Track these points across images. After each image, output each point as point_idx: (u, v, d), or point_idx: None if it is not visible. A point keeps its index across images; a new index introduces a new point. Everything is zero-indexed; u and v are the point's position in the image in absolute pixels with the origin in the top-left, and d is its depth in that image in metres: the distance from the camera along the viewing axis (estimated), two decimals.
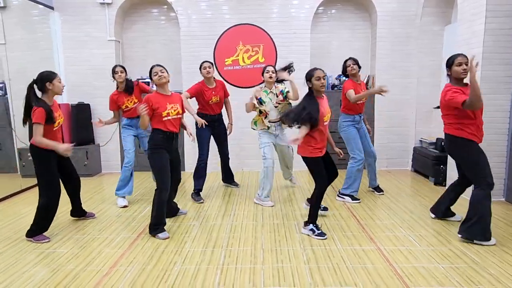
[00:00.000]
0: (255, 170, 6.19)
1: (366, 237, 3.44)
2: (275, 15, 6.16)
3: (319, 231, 3.48)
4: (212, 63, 4.73)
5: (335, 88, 6.31)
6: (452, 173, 4.92)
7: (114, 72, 4.55)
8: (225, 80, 6.23)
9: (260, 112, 4.51)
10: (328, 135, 3.68)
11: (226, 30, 6.17)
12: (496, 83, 4.34)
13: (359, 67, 4.60)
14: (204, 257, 3.10)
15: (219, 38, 6.19)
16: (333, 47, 6.51)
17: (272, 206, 4.42)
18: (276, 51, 6.20)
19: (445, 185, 5.08)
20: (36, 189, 5.12)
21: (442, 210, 3.84)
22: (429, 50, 5.94)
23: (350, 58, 4.61)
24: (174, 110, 3.61)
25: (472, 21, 4.47)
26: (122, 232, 3.67)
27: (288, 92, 4.43)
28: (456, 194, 3.79)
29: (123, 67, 4.59)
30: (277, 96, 4.45)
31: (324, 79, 3.45)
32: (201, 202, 4.64)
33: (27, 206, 4.60)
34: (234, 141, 6.26)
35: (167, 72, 3.67)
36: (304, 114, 3.29)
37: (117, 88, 4.62)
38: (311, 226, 3.52)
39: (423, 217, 3.96)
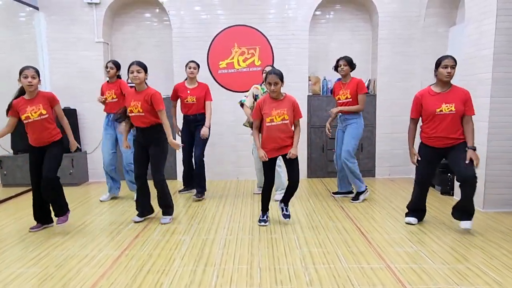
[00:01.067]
0: (250, 179, 5.88)
1: (373, 253, 3.13)
2: (272, 16, 5.89)
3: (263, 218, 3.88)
4: (198, 65, 4.80)
5: None
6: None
7: (105, 67, 4.72)
8: (219, 84, 5.94)
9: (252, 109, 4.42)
10: (295, 134, 3.73)
11: (220, 32, 5.89)
12: (508, 85, 4.07)
13: (353, 68, 4.55)
14: (194, 277, 2.77)
15: (213, 40, 5.90)
16: (332, 49, 6.23)
17: (258, 193, 4.64)
18: (273, 54, 5.92)
19: (452, 194, 4.80)
20: (17, 199, 4.82)
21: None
22: (433, 52, 5.66)
23: (343, 58, 4.54)
24: (135, 108, 3.77)
25: (481, 21, 4.22)
26: (105, 248, 3.33)
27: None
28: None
29: (114, 63, 4.68)
30: None
31: (275, 84, 3.55)
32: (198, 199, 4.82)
33: (5, 218, 4.25)
34: (230, 148, 5.97)
35: (145, 72, 3.80)
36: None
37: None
38: (261, 213, 3.95)
39: (433, 229, 3.65)
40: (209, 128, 4.74)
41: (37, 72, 3.55)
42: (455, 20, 5.58)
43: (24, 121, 3.53)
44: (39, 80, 3.57)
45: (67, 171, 5.61)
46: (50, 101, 3.61)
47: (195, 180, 4.89)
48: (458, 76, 4.52)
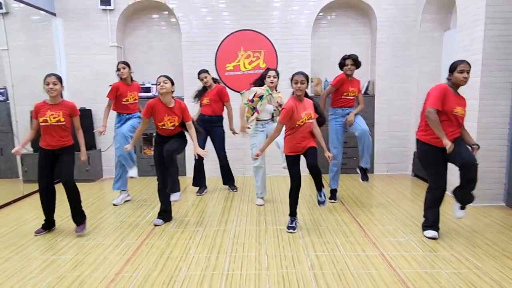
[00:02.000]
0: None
1: (369, 243, 3.47)
2: (276, 21, 6.21)
3: (291, 225, 3.83)
4: (208, 72, 5.12)
5: None
6: (452, 178, 4.95)
7: (117, 68, 4.72)
8: (226, 85, 6.27)
9: (253, 109, 4.61)
10: (317, 137, 3.81)
11: (227, 36, 6.22)
12: (496, 89, 4.39)
13: (358, 66, 4.59)
14: (209, 263, 3.12)
15: (220, 44, 6.23)
16: (333, 52, 6.54)
17: (261, 204, 4.73)
18: (277, 57, 6.25)
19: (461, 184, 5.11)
20: (39, 194, 5.11)
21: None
22: (428, 55, 6.00)
23: (350, 57, 4.53)
24: (170, 122, 3.86)
25: (472, 28, 4.53)
26: (127, 238, 3.69)
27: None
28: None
29: (126, 63, 4.76)
30: (279, 105, 4.54)
31: (302, 83, 3.63)
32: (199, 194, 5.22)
33: (30, 212, 4.62)
34: (237, 145, 6.29)
35: (171, 83, 3.84)
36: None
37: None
38: (289, 218, 3.90)
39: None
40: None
41: (59, 78, 3.69)
42: (450, 25, 5.88)
43: (41, 123, 3.66)
44: (62, 86, 3.71)
45: (84, 168, 5.98)
46: (71, 111, 3.75)
47: (226, 176, 5.37)
48: None
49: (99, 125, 6.29)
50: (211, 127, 5.17)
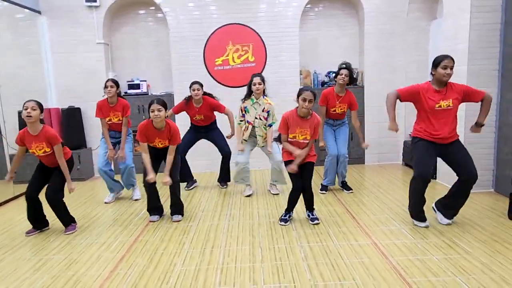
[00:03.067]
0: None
1: (361, 232, 3.52)
2: (263, 13, 6.20)
3: (284, 218, 3.86)
4: (201, 86, 4.93)
5: (325, 85, 6.37)
6: (442, 167, 5.03)
7: (105, 85, 4.57)
8: (216, 80, 6.26)
9: (246, 122, 4.66)
10: (308, 147, 3.69)
11: (215, 30, 6.19)
12: (483, 77, 4.45)
13: (353, 80, 4.65)
14: (204, 257, 3.14)
15: (208, 38, 6.20)
16: (321, 44, 6.57)
17: (248, 195, 4.83)
18: (265, 50, 6.24)
19: (435, 178, 5.19)
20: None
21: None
22: (415, 45, 6.04)
23: (345, 68, 4.53)
24: (161, 144, 3.94)
25: (457, 17, 4.57)
26: (120, 236, 3.68)
27: (272, 125, 4.63)
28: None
29: (115, 82, 4.60)
30: (262, 111, 4.58)
31: (310, 102, 3.51)
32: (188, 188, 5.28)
33: (21, 213, 4.55)
34: (228, 141, 6.27)
35: (165, 110, 3.79)
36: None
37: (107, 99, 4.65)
38: (284, 211, 3.92)
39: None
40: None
41: (39, 104, 3.53)
42: (436, 15, 5.92)
43: (31, 152, 3.64)
44: (41, 112, 3.54)
45: (74, 167, 5.92)
46: (52, 141, 3.58)
47: (224, 175, 5.33)
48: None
49: (88, 123, 6.29)
50: (206, 132, 5.19)
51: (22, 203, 4.98)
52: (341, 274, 2.76)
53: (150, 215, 4.10)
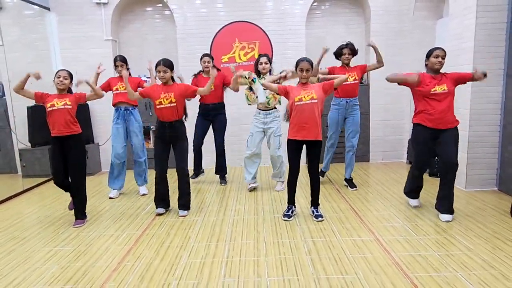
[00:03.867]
0: None
1: (364, 228, 3.56)
2: (270, 11, 6.23)
3: (287, 213, 3.92)
4: (212, 58, 5.13)
5: None
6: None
7: (115, 65, 4.75)
8: None
9: (251, 89, 4.73)
10: (315, 119, 3.69)
11: (222, 28, 6.24)
12: (488, 76, 4.44)
13: (355, 54, 4.75)
14: (209, 250, 3.20)
15: (215, 36, 6.25)
16: (328, 42, 6.53)
17: (253, 188, 4.93)
18: (272, 48, 6.28)
19: (438, 176, 5.20)
20: (38, 189, 5.20)
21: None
22: (421, 44, 6.02)
23: (347, 46, 4.67)
24: (167, 99, 3.92)
25: (464, 16, 4.58)
26: (127, 229, 3.76)
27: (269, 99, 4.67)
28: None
29: (122, 59, 4.74)
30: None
31: (307, 71, 3.68)
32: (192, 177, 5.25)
33: (31, 206, 4.67)
34: (235, 138, 6.34)
35: (171, 71, 4.00)
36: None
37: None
38: (287, 206, 3.99)
39: (419, 207, 4.07)
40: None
41: (70, 74, 3.89)
42: (442, 14, 5.93)
43: (48, 109, 3.74)
44: (71, 83, 3.91)
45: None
46: (80, 97, 3.91)
47: (219, 166, 5.36)
48: (444, 67, 4.91)
49: (96, 119, 6.37)
50: (215, 115, 5.18)
51: (31, 196, 5.10)
52: (343, 268, 2.81)
53: (157, 207, 4.16)
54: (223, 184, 5.37)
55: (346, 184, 4.96)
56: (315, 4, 6.38)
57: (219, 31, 6.24)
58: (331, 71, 4.70)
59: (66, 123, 3.78)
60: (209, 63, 5.05)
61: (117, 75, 4.89)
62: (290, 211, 3.93)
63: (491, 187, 4.63)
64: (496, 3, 4.34)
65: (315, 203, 3.93)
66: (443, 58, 3.65)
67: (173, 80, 4.07)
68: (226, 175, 5.50)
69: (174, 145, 4.07)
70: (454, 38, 4.77)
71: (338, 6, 6.52)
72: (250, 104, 4.89)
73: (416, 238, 3.29)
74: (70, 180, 3.92)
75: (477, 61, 4.43)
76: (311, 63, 3.71)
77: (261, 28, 6.24)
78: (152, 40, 6.60)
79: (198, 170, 5.46)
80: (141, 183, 5.04)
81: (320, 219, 3.81)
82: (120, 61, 4.72)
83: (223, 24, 6.23)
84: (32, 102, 4.85)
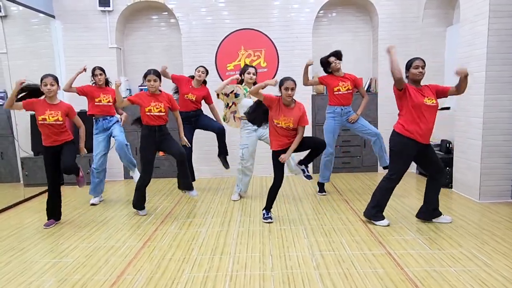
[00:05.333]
0: (256, 175, 6.14)
1: (375, 241, 3.41)
2: (276, 19, 6.16)
3: (267, 216, 4.02)
4: (206, 70, 5.18)
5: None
6: (457, 175, 4.90)
7: (93, 74, 4.79)
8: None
9: (227, 105, 4.74)
10: (295, 140, 3.82)
11: (227, 35, 6.17)
12: (501, 83, 4.32)
13: (340, 58, 4.73)
14: (212, 264, 3.06)
15: (220, 43, 6.18)
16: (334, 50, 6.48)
17: (236, 200, 4.89)
18: (278, 56, 6.19)
19: (451, 187, 5.05)
20: (40, 198, 5.12)
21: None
22: (431, 52, 5.92)
23: (331, 55, 4.71)
24: (157, 108, 4.13)
25: (475, 22, 4.46)
26: (128, 240, 3.63)
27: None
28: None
29: (101, 68, 4.83)
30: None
31: (292, 90, 3.68)
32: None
33: (31, 215, 4.56)
34: (236, 146, 6.21)
35: (160, 81, 4.23)
36: (248, 116, 4.01)
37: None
38: (264, 211, 4.06)
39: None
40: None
41: (56, 79, 3.91)
42: (452, 21, 5.82)
43: (40, 122, 3.85)
44: (58, 86, 3.94)
45: (85, 171, 5.91)
46: (69, 112, 3.99)
47: (221, 147, 5.29)
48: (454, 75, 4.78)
49: None
50: (196, 118, 5.19)
51: (31, 206, 5.00)
52: (354, 284, 2.66)
53: (143, 209, 4.39)
54: (226, 167, 5.26)
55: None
56: (321, 12, 6.30)
57: (224, 38, 6.17)
58: (322, 80, 4.80)
59: (58, 135, 3.95)
60: (203, 73, 5.15)
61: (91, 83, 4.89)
62: (269, 213, 4.05)
63: (506, 198, 4.46)
64: (509, 9, 4.22)
65: (308, 161, 4.08)
66: (423, 68, 3.61)
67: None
68: (227, 156, 5.35)
69: (164, 144, 4.24)
70: (466, 45, 4.65)
71: (345, 13, 6.44)
72: (230, 126, 4.92)
73: (430, 252, 3.13)
74: (63, 165, 3.95)
75: (490, 68, 4.30)
76: (295, 82, 3.71)
77: (267, 36, 6.16)
78: (157, 48, 6.54)
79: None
80: (132, 168, 5.05)
81: (309, 178, 4.10)
82: (99, 69, 4.81)
83: (229, 31, 6.16)
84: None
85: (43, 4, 5.84)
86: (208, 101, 5.29)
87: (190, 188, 4.42)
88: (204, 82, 5.28)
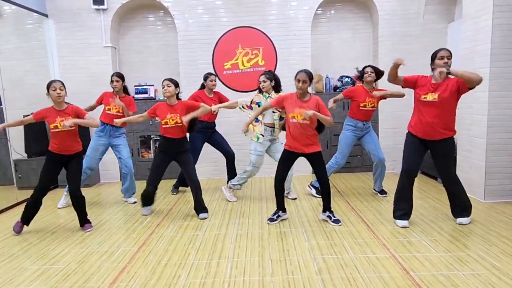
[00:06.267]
0: (257, 177, 6.01)
1: (379, 244, 3.28)
2: (274, 17, 6.04)
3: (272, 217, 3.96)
4: (217, 77, 5.12)
5: (337, 90, 6.17)
6: (461, 174, 4.77)
7: (111, 80, 4.68)
8: (224, 84, 6.11)
9: (257, 120, 4.51)
10: (307, 137, 3.69)
11: (224, 34, 6.05)
12: (506, 80, 4.21)
13: (379, 76, 4.59)
14: (210, 269, 2.93)
15: (217, 42, 6.06)
16: (333, 48, 6.39)
17: (234, 201, 4.79)
18: (276, 54, 6.07)
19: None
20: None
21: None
22: (432, 48, 5.68)
23: (369, 66, 4.62)
24: (173, 120, 4.01)
25: (478, 17, 4.35)
26: (123, 245, 3.50)
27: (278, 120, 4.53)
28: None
29: (119, 75, 4.68)
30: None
31: (304, 82, 3.60)
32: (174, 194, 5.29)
33: None
34: (236, 147, 6.10)
35: (174, 86, 4.07)
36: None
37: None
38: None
39: (435, 220, 3.80)
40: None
41: (63, 84, 3.83)
42: (454, 17, 5.70)
43: (52, 130, 3.74)
44: (66, 91, 3.82)
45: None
46: (78, 113, 3.84)
47: (231, 173, 5.20)
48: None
49: (94, 128, 6.16)
50: (212, 133, 5.11)
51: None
52: None
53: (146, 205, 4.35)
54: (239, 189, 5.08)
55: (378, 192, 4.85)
56: (320, 9, 6.18)
57: (221, 37, 6.05)
58: (349, 93, 4.63)
59: (70, 144, 3.83)
60: (215, 81, 5.00)
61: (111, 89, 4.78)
62: (276, 215, 3.97)
63: (511, 198, 4.34)
64: None
65: (327, 207, 3.89)
66: (449, 59, 3.44)
67: (178, 98, 4.18)
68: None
69: (180, 159, 4.17)
70: (468, 41, 4.53)
71: (345, 10, 6.32)
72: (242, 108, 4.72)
73: (436, 255, 3.01)
74: (69, 188, 3.89)
75: (494, 64, 4.19)
76: (309, 75, 3.63)
77: (265, 34, 6.04)
78: (153, 47, 6.41)
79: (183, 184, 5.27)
80: (129, 195, 4.97)
81: (339, 223, 3.80)
82: (117, 76, 4.66)
83: (226, 30, 6.04)
84: (28, 111, 4.68)
85: (36, 3, 5.71)
86: (224, 100, 5.09)
87: (203, 211, 4.26)
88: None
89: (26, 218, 3.90)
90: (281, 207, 3.97)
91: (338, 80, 6.25)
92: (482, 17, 4.28)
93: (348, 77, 6.21)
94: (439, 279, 2.63)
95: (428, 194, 4.73)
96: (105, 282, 2.79)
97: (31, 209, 3.87)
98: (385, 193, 4.77)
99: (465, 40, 4.60)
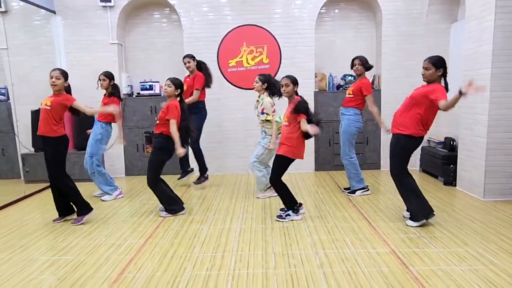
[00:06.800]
0: None
1: (379, 240, 3.36)
2: (278, 15, 6.10)
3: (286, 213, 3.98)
4: (193, 58, 5.19)
5: (341, 89, 6.23)
6: (461, 173, 4.84)
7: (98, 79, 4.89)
8: (229, 82, 6.18)
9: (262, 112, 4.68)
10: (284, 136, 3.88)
11: (229, 32, 6.12)
12: (507, 80, 4.27)
13: (367, 68, 4.61)
14: (215, 262, 3.02)
15: (222, 40, 6.13)
16: (337, 47, 6.44)
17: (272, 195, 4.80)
18: (280, 52, 6.13)
19: (455, 185, 5.00)
20: (40, 195, 5.07)
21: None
22: (435, 48, 5.82)
23: (357, 57, 4.63)
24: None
25: (481, 18, 4.40)
26: (129, 238, 3.59)
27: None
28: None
29: (106, 74, 4.89)
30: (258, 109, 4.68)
31: (286, 86, 3.81)
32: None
33: (32, 212, 4.53)
34: (241, 144, 6.19)
35: (174, 87, 4.13)
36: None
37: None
38: (287, 212, 3.97)
39: (435, 217, 3.86)
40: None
41: (63, 73, 3.84)
42: (457, 17, 5.75)
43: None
44: (65, 81, 3.85)
45: (81, 170, 5.87)
46: (63, 99, 3.81)
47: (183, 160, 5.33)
48: (460, 72, 4.73)
49: None
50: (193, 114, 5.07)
51: (32, 202, 4.97)
52: (359, 283, 2.62)
53: (182, 210, 4.31)
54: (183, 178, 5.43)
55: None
56: (324, 8, 6.24)
57: (226, 35, 6.11)
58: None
59: (43, 123, 3.79)
60: (188, 63, 5.15)
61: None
62: (285, 214, 4.01)
63: (511, 197, 4.39)
64: None
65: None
66: (426, 69, 3.67)
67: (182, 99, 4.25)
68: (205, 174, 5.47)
69: None
70: (471, 41, 4.58)
71: (348, 10, 6.37)
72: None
73: (435, 251, 3.08)
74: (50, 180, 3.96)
75: (496, 64, 4.24)
76: (291, 79, 3.81)
77: (269, 32, 6.10)
78: (158, 44, 6.48)
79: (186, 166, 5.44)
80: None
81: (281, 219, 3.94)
82: (104, 75, 4.86)
83: (231, 28, 6.11)
84: (36, 106, 4.76)
85: (44, 0, 5.79)
86: (195, 84, 5.17)
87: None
88: (200, 68, 5.28)
89: (58, 209, 4.04)
90: (294, 202, 3.98)
91: (342, 79, 6.31)
92: (485, 17, 4.33)
93: (351, 75, 6.26)
94: (437, 274, 2.71)
95: (429, 192, 4.79)
96: (114, 273, 2.88)
97: (55, 198, 4.00)
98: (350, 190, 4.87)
99: (469, 41, 4.65)
